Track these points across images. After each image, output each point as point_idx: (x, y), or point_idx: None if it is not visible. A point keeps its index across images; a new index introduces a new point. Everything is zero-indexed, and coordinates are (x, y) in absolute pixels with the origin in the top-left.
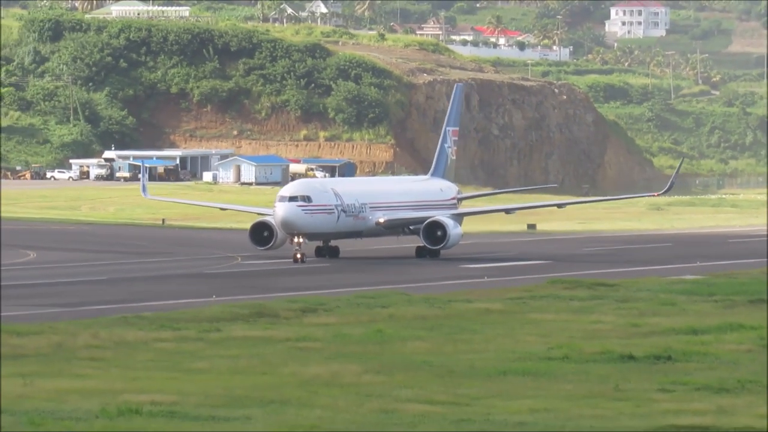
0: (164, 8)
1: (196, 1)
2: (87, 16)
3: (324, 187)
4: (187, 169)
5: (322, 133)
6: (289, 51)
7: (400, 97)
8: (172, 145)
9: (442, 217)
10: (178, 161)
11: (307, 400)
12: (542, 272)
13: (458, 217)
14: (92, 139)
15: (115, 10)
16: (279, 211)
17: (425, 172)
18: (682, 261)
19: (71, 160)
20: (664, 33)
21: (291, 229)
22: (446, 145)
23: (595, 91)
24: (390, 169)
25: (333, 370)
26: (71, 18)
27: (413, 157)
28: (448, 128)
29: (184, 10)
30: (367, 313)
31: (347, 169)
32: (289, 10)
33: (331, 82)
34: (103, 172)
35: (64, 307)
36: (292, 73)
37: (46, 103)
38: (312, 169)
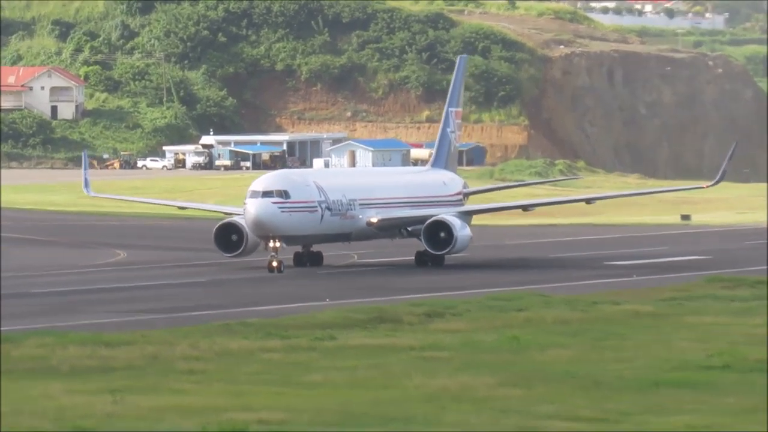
0: None
1: None
2: None
3: (305, 179)
4: (295, 156)
5: None
6: (408, 22)
7: (533, 72)
8: (278, 129)
9: (447, 216)
10: (284, 147)
11: (434, 417)
12: (699, 269)
13: (466, 216)
14: (188, 123)
15: None
16: (250, 209)
17: (563, 157)
18: None
19: (165, 147)
20: None
21: (265, 230)
22: (448, 129)
23: (754, 64)
24: (524, 153)
25: (463, 382)
26: None
27: (549, 140)
28: (450, 109)
29: None
30: (501, 318)
31: (476, 154)
32: None
33: (456, 57)
34: (200, 160)
35: (159, 314)
36: (412, 47)
37: (136, 83)
38: None
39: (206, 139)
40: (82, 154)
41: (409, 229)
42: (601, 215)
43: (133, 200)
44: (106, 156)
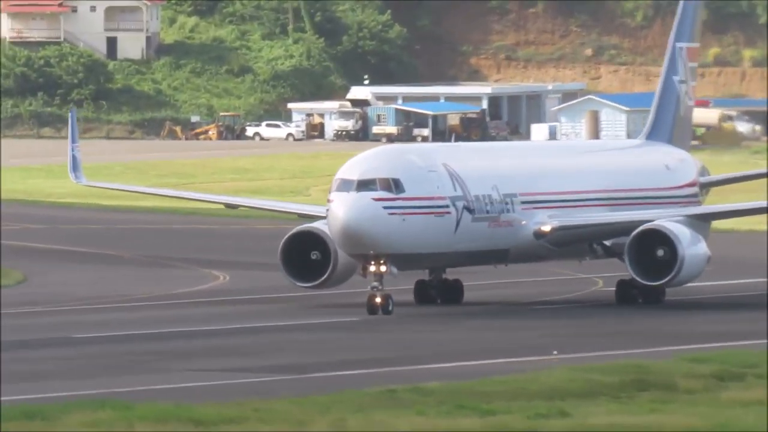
0: None
1: None
2: None
3: (429, 161)
4: (502, 120)
5: (746, 53)
6: None
7: None
8: (473, 76)
9: (669, 222)
10: (485, 104)
11: None
12: None
13: (701, 224)
14: (328, 65)
15: None
16: (338, 211)
17: None
18: None
19: (290, 105)
20: None
21: (361, 245)
22: (675, 78)
23: None
24: None
25: None
26: None
27: None
28: (678, 45)
29: None
30: None
31: None
32: None
33: None
34: (348, 125)
35: (278, 374)
36: None
37: (244, 2)
38: (730, 118)
39: (358, 92)
40: (70, 113)
41: (607, 243)
42: None
43: (140, 191)
44: (195, 119)
